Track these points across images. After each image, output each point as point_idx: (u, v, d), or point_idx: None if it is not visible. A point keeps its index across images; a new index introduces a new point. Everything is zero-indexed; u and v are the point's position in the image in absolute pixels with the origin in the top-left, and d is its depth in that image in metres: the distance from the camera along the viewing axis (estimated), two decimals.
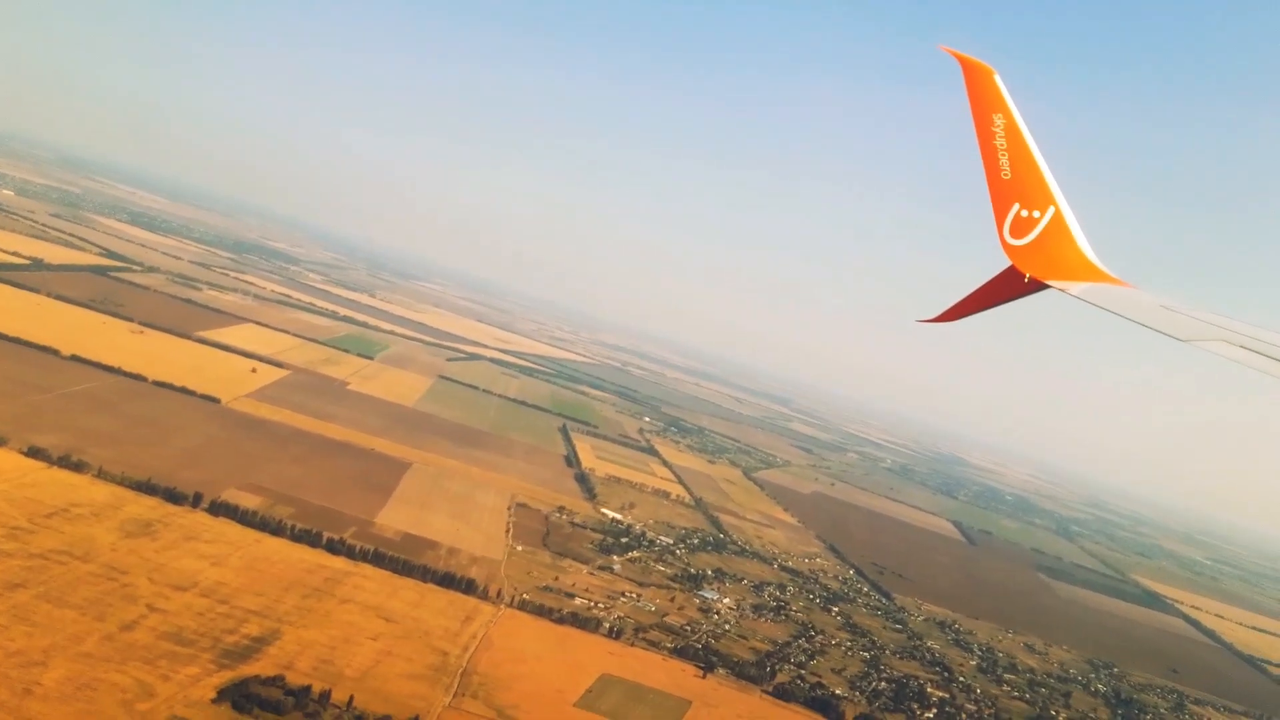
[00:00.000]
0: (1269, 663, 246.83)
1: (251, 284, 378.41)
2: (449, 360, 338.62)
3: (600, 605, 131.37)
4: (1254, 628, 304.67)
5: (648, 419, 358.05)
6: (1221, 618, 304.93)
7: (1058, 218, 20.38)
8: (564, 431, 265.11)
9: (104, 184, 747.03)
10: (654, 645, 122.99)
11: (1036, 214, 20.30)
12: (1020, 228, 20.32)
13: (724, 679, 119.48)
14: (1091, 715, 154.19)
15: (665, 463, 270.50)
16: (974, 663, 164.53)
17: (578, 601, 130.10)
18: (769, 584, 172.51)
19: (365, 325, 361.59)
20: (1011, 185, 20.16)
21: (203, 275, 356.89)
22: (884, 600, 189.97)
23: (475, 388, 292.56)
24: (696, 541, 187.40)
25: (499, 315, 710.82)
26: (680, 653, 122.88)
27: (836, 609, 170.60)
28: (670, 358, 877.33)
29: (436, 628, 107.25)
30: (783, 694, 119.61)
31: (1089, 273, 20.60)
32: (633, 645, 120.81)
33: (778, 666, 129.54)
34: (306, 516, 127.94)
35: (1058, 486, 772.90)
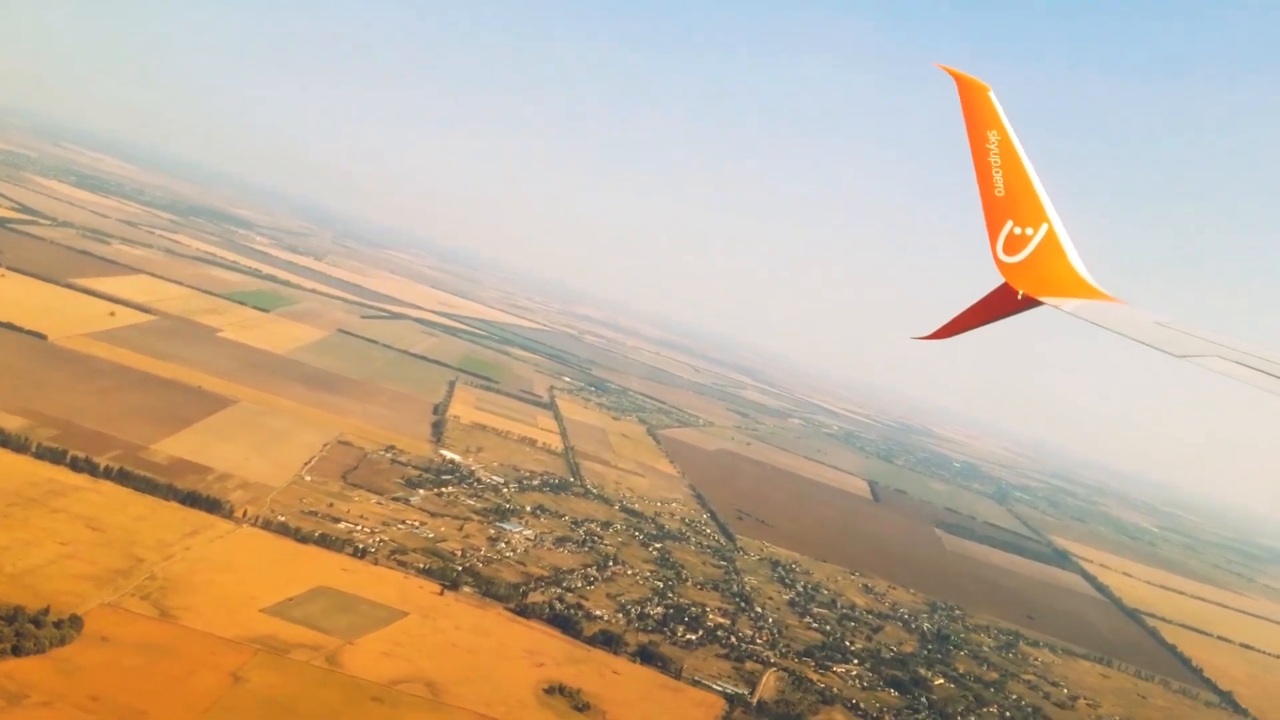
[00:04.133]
0: (1152, 615, 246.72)
1: (177, 242, 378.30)
2: (363, 317, 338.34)
3: (365, 530, 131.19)
4: (1161, 586, 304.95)
5: (567, 379, 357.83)
6: (1129, 575, 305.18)
7: (1051, 235, 20.69)
8: (452, 384, 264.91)
9: (72, 151, 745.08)
10: (403, 565, 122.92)
11: (1030, 231, 20.59)
12: (1013, 245, 20.65)
13: (465, 596, 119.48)
14: (892, 647, 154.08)
15: (557, 416, 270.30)
16: (787, 598, 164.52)
17: (341, 526, 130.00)
18: (593, 521, 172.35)
19: (285, 283, 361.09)
20: (1005, 202, 20.47)
21: (124, 232, 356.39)
22: (724, 541, 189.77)
23: (374, 342, 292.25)
24: (537, 483, 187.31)
25: (462, 284, 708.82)
26: (429, 573, 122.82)
27: (659, 546, 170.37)
28: (646, 330, 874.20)
29: (149, 538, 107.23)
30: (524, 611, 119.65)
31: (1082, 290, 20.86)
32: (376, 565, 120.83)
33: (539, 589, 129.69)
34: (69, 439, 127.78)
35: (1025, 458, 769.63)
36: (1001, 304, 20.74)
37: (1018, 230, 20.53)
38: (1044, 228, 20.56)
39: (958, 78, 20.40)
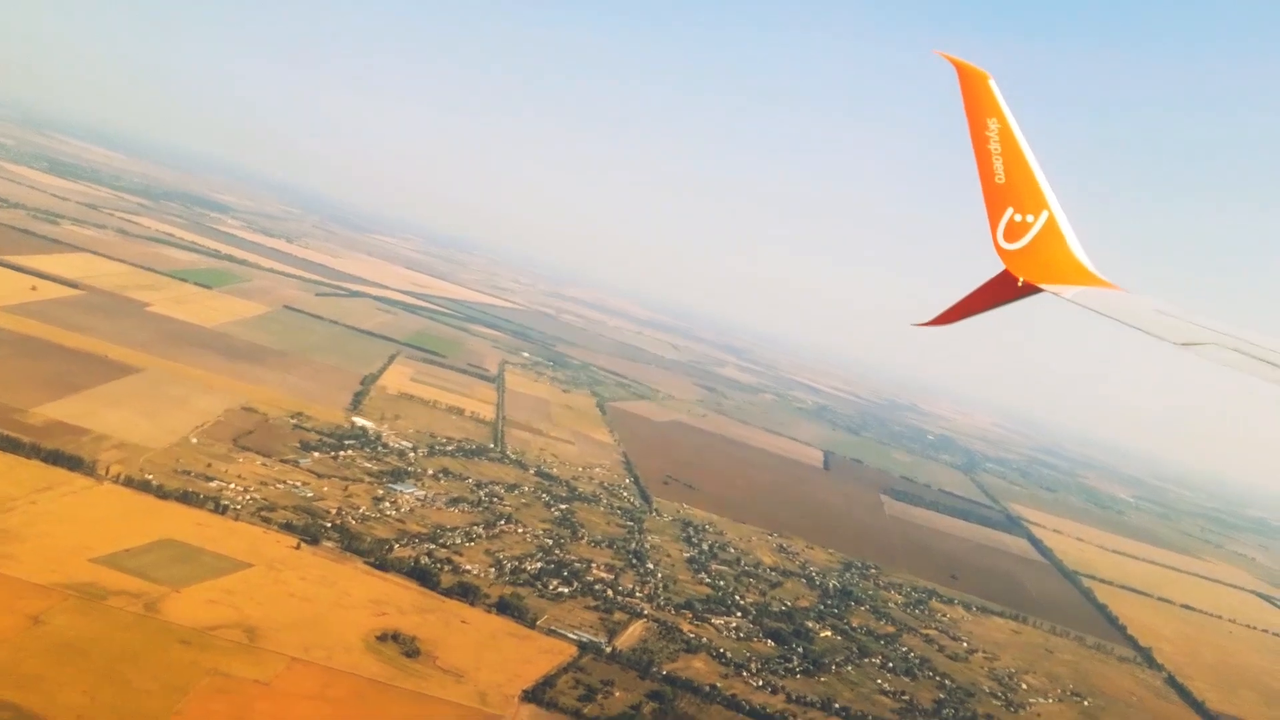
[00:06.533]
0: (1092, 577, 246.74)
1: (135, 223, 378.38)
2: (316, 295, 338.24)
3: (237, 488, 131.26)
4: (1113, 550, 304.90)
5: (525, 354, 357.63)
6: (1081, 540, 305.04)
7: (1051, 222, 20.89)
8: (392, 358, 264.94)
9: (57, 140, 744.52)
10: (265, 522, 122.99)
11: (1030, 218, 20.72)
12: (1014, 232, 20.76)
13: (324, 551, 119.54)
14: (786, 601, 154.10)
15: (500, 388, 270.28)
16: (688, 555, 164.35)
17: (213, 484, 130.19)
18: (499, 484, 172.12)
19: (243, 263, 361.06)
20: (1005, 189, 20.54)
21: (80, 214, 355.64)
22: (640, 504, 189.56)
23: (319, 318, 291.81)
24: (451, 448, 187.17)
25: (445, 266, 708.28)
26: (291, 528, 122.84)
27: (564, 507, 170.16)
28: (633, 310, 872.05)
29: None
30: (383, 565, 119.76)
31: (1083, 277, 21.00)
32: (236, 520, 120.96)
33: (409, 545, 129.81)
34: None
35: (1016, 434, 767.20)
36: (1002, 291, 20.83)
37: (1018, 217, 20.62)
38: (1044, 215, 20.64)
39: (958, 66, 20.45)
